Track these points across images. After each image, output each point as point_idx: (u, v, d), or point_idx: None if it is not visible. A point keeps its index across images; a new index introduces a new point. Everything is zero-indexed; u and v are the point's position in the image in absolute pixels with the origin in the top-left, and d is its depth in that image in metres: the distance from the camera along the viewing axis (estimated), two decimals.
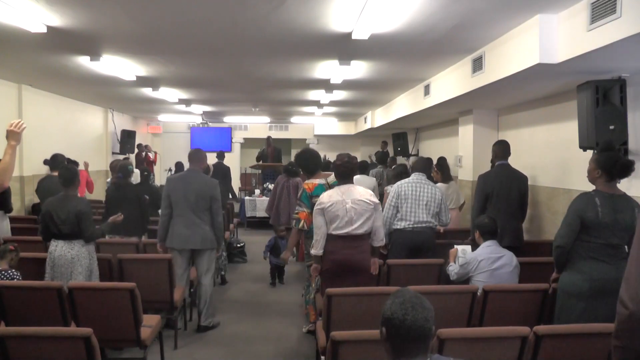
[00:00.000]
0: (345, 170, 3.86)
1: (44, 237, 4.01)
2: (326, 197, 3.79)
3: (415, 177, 4.68)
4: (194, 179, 4.64)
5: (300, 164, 4.74)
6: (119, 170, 5.50)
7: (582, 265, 3.06)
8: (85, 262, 3.89)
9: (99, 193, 8.92)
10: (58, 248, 3.87)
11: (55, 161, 6.10)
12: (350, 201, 3.73)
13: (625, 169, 3.06)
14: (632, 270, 1.54)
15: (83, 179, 7.15)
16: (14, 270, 3.76)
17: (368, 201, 3.77)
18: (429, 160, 5.26)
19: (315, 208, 3.84)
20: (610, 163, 3.06)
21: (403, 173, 5.60)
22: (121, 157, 10.69)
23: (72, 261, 3.83)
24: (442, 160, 6.45)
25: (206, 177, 4.81)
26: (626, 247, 3.07)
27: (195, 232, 4.55)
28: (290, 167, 7.05)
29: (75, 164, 6.98)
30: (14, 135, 2.87)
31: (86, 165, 8.05)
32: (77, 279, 3.80)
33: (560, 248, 3.13)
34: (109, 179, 7.20)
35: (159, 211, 6.20)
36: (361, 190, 3.85)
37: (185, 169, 8.98)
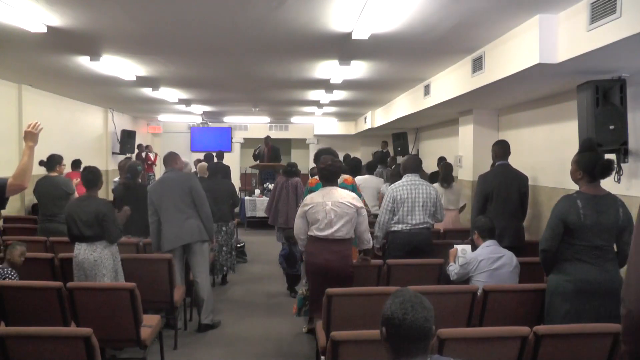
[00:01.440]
0: (328, 174, 3.91)
1: (70, 239, 4.02)
2: (309, 199, 3.87)
3: (409, 178, 4.55)
4: (170, 177, 4.71)
5: (315, 160, 4.78)
6: (128, 170, 5.50)
7: (568, 266, 3.06)
8: (109, 263, 3.88)
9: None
10: (81, 251, 3.86)
11: (52, 162, 6.07)
12: (330, 203, 3.77)
13: (606, 170, 3.05)
14: (631, 271, 1.54)
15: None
16: (8, 268, 3.71)
17: (349, 204, 3.79)
18: (419, 158, 5.27)
19: (299, 210, 3.93)
20: (591, 164, 3.03)
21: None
22: (121, 157, 10.68)
23: (95, 263, 3.81)
24: (445, 164, 6.42)
25: (181, 172, 4.92)
26: (614, 247, 3.07)
27: (181, 228, 4.57)
28: (289, 167, 7.04)
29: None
30: (31, 137, 2.87)
31: None
32: (102, 281, 3.79)
33: (544, 252, 3.13)
34: (116, 179, 7.19)
35: None
36: (343, 193, 3.87)
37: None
